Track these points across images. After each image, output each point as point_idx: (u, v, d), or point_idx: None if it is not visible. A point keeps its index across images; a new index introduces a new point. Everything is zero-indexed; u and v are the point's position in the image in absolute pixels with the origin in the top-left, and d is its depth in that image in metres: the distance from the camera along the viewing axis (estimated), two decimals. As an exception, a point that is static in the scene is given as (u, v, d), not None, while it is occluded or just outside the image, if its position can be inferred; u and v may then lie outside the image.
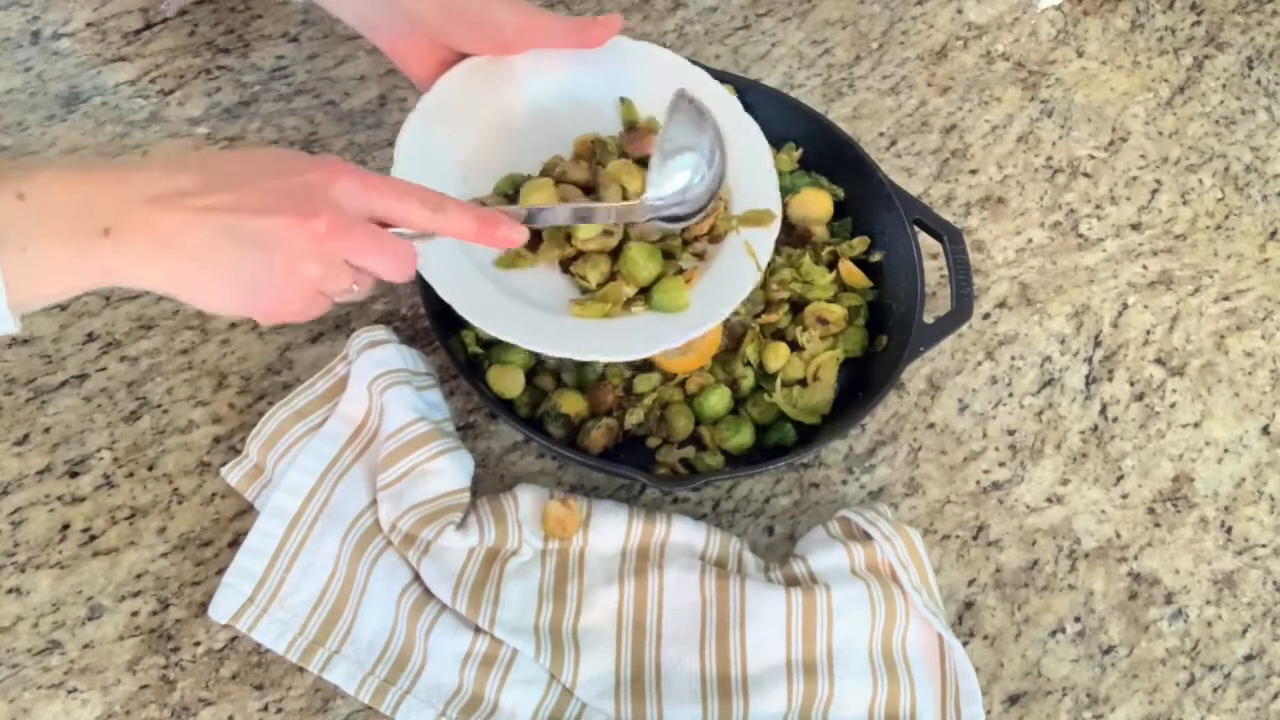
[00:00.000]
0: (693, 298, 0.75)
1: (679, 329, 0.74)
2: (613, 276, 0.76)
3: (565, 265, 0.77)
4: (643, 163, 0.77)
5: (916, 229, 0.83)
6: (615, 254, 0.76)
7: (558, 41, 0.78)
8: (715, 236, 0.79)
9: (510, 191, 0.78)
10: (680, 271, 0.77)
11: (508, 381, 0.76)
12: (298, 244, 0.55)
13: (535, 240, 0.75)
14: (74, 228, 0.51)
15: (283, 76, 0.93)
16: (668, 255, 0.77)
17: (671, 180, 0.73)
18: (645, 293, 0.76)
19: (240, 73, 0.92)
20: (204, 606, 0.69)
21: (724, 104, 0.83)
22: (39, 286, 0.52)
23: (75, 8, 0.94)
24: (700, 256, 0.78)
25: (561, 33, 0.78)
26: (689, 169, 0.74)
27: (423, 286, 0.75)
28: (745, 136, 0.82)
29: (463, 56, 0.78)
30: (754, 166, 0.81)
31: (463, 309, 0.70)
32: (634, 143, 0.81)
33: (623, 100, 0.83)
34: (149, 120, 0.89)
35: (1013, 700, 0.74)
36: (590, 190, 0.78)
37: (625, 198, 0.76)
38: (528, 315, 0.72)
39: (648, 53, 0.83)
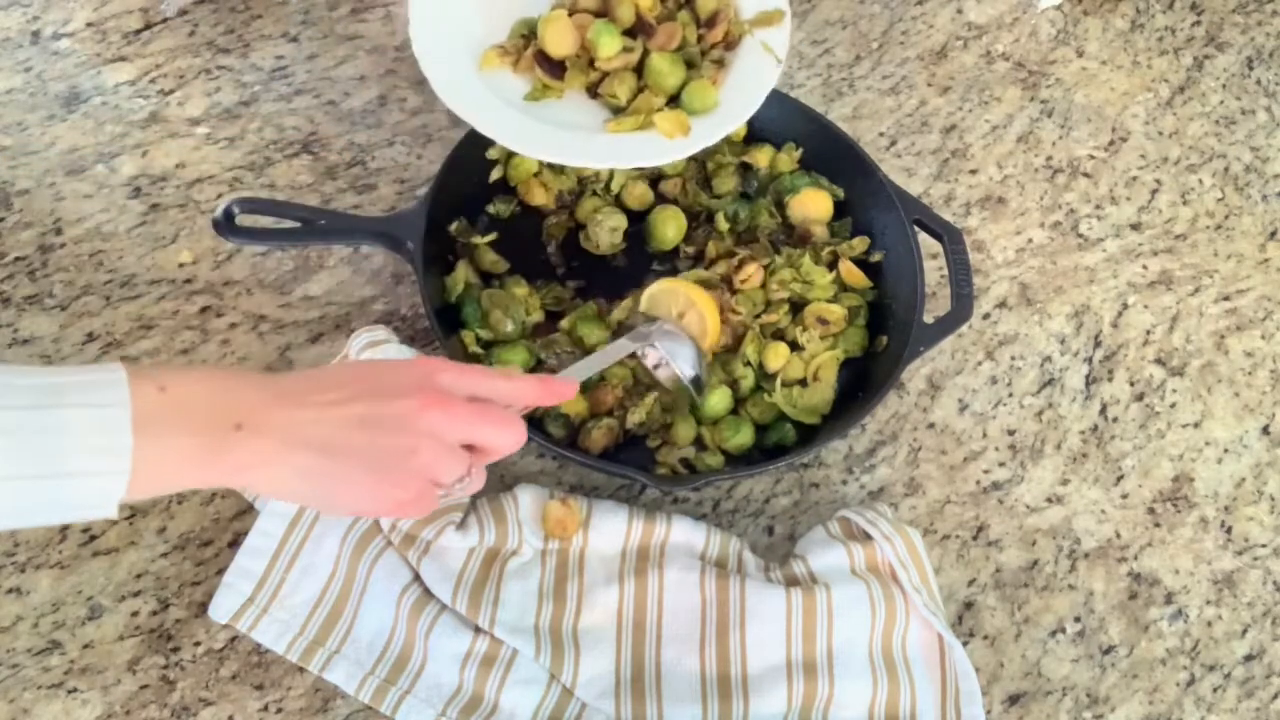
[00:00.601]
0: (721, 98, 0.79)
1: (714, 125, 0.77)
2: (640, 90, 0.80)
3: (593, 91, 0.80)
4: None
5: (916, 229, 0.83)
6: (639, 71, 0.80)
7: None
8: (730, 43, 0.82)
9: (526, 33, 0.81)
10: (703, 77, 0.80)
11: None
12: (423, 424, 0.56)
13: (560, 69, 0.79)
14: (209, 423, 0.52)
15: (283, 76, 0.93)
16: (689, 65, 0.80)
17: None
18: (674, 101, 0.79)
19: (240, 73, 0.92)
20: (204, 606, 0.69)
21: None
22: (164, 478, 0.53)
23: (75, 8, 0.94)
24: (719, 64, 0.82)
25: None
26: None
27: (425, 291, 0.75)
28: None
29: None
30: None
31: (505, 139, 0.73)
32: None
33: None
34: (149, 120, 0.89)
35: (1013, 700, 0.74)
36: (602, 15, 0.81)
37: (638, 12, 0.80)
38: (565, 137, 0.76)
39: None
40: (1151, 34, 1.09)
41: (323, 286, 0.83)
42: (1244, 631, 0.79)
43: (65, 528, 0.71)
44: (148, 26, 0.94)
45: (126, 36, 0.93)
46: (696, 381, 0.75)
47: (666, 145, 0.77)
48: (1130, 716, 0.74)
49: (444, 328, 0.75)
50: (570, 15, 0.80)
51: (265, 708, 0.67)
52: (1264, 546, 0.82)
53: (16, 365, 0.50)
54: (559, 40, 0.79)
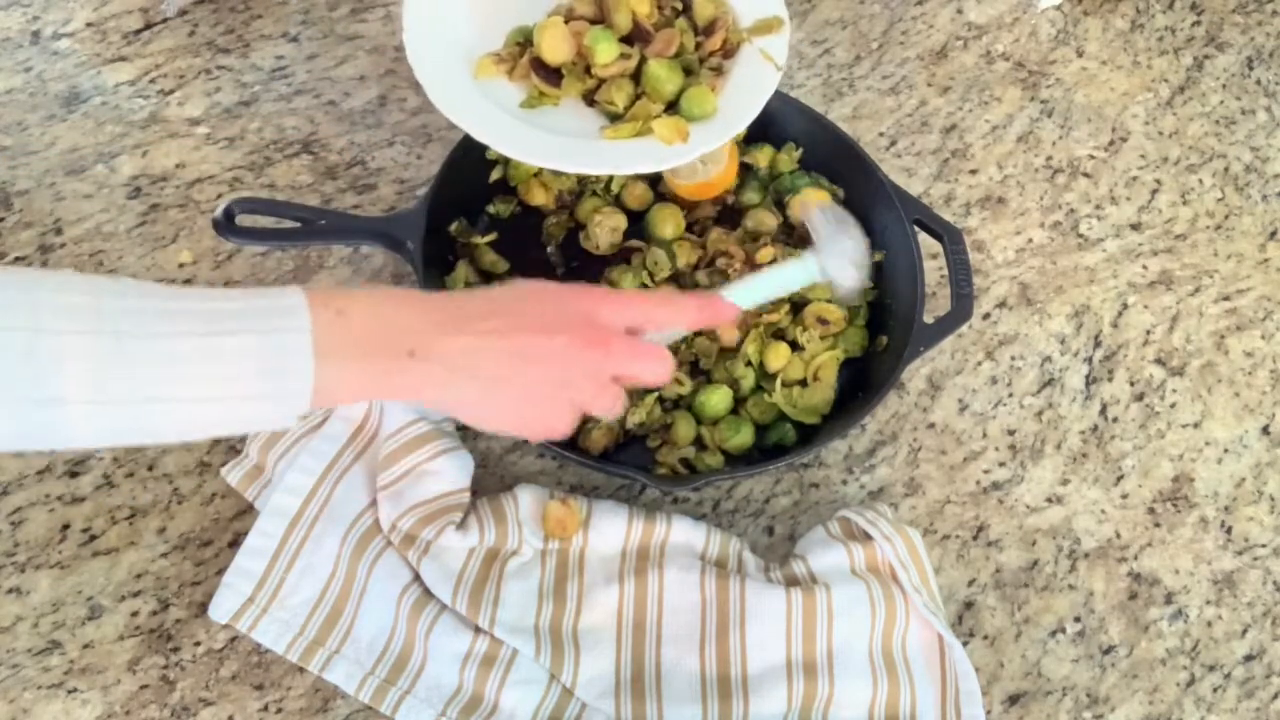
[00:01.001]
0: (719, 105, 0.78)
1: (713, 132, 0.76)
2: (638, 98, 0.78)
3: (589, 99, 0.79)
4: None
5: (916, 229, 0.83)
6: (635, 79, 0.79)
7: None
8: (729, 51, 0.81)
9: (522, 41, 0.80)
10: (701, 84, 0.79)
11: None
12: (578, 360, 0.59)
13: (557, 76, 0.78)
14: (384, 348, 0.55)
15: (283, 76, 0.93)
16: (688, 72, 0.79)
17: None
18: (672, 107, 0.78)
19: (240, 73, 0.92)
20: (204, 606, 0.69)
21: None
22: (340, 394, 0.55)
23: (75, 8, 0.94)
24: (718, 71, 0.80)
25: None
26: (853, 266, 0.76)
27: (422, 285, 0.75)
28: None
29: None
30: None
31: (502, 146, 0.73)
32: None
33: None
34: (149, 120, 0.89)
35: (1013, 700, 0.74)
36: (598, 22, 0.80)
37: (635, 19, 0.78)
38: (563, 143, 0.75)
39: None
40: (1151, 34, 1.09)
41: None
42: (1244, 631, 0.79)
43: (65, 527, 0.71)
44: (148, 26, 0.94)
45: (126, 36, 0.93)
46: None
47: (665, 151, 0.75)
48: (1130, 716, 0.74)
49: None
50: (566, 22, 0.79)
51: (265, 708, 0.67)
52: (1264, 546, 0.82)
53: (188, 289, 0.53)
54: (555, 47, 0.78)
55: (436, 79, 0.76)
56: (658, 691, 0.69)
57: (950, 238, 0.83)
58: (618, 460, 0.76)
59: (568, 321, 0.59)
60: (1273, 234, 0.98)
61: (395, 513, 0.70)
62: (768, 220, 0.85)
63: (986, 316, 0.89)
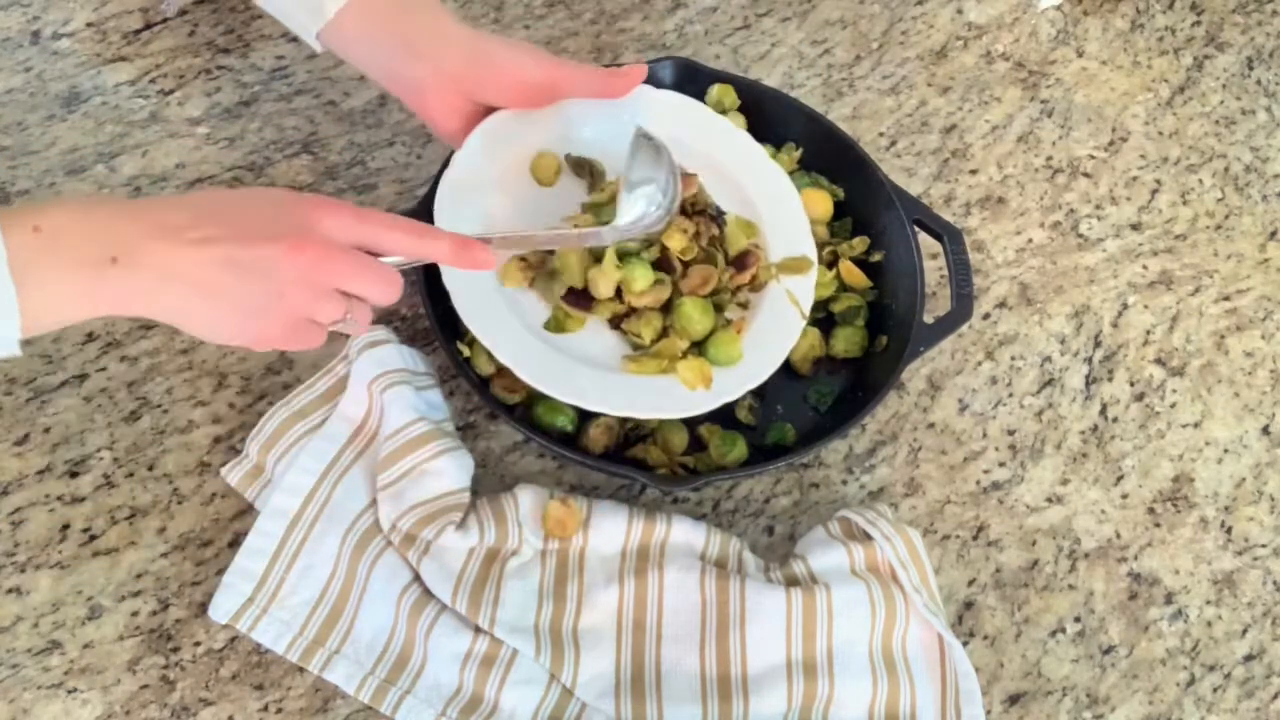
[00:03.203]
0: (743, 349, 0.76)
1: (736, 382, 0.74)
2: (664, 332, 0.76)
3: (615, 323, 0.76)
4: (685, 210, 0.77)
5: (916, 229, 0.83)
6: (665, 309, 0.76)
7: (584, 91, 0.78)
8: (757, 286, 0.79)
9: (527, 257, 0.77)
10: (728, 323, 0.77)
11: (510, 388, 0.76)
12: (289, 271, 0.58)
13: (588, 301, 0.76)
14: (85, 257, 0.54)
15: (283, 76, 0.93)
16: (717, 308, 0.77)
17: (634, 209, 0.73)
18: (698, 346, 0.76)
19: (240, 73, 0.92)
20: (204, 606, 0.69)
21: (749, 152, 0.84)
22: (52, 314, 0.55)
23: (75, 8, 0.94)
24: (744, 306, 0.79)
25: (587, 83, 0.77)
26: (645, 199, 0.73)
27: (425, 291, 0.75)
28: (774, 184, 0.83)
29: (489, 110, 0.78)
30: (785, 213, 0.82)
31: (522, 372, 0.71)
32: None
33: None
34: (149, 120, 0.89)
35: (1013, 700, 0.74)
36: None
37: (667, 256, 0.76)
38: (583, 374, 0.73)
39: (670, 101, 0.84)
40: (1151, 34, 1.09)
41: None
42: (1244, 631, 0.79)
43: (65, 527, 0.71)
44: (148, 26, 0.94)
45: (126, 36, 0.93)
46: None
47: (686, 397, 0.73)
48: (1130, 716, 0.74)
49: (444, 328, 0.75)
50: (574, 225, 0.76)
51: (265, 708, 0.67)
52: (1264, 546, 0.82)
53: None
54: (603, 282, 0.75)
55: (462, 287, 0.73)
56: (658, 691, 0.69)
57: (950, 238, 0.83)
58: (618, 460, 0.76)
59: (282, 230, 0.58)
60: (1273, 234, 0.98)
61: (395, 513, 0.70)
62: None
63: (986, 316, 0.89)
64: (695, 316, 0.75)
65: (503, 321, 0.74)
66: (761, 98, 0.88)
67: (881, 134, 0.98)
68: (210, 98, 0.91)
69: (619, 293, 0.75)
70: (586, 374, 0.73)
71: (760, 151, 0.85)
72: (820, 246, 0.84)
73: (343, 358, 0.76)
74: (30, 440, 0.74)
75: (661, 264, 0.76)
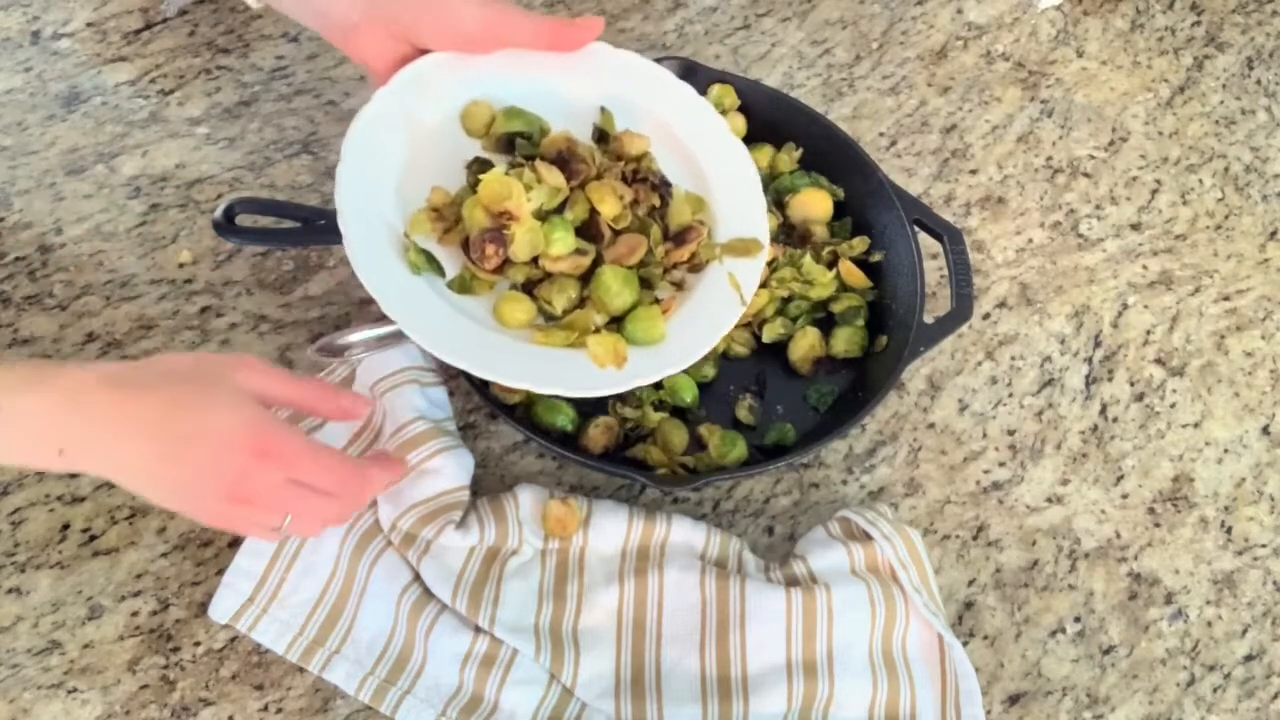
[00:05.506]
0: (669, 331, 0.70)
1: (653, 365, 0.68)
2: (581, 303, 0.69)
3: (529, 288, 0.70)
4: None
5: (916, 229, 0.83)
6: (586, 278, 0.70)
7: (528, 42, 0.72)
8: (696, 265, 0.73)
9: (439, 206, 0.72)
10: (656, 301, 0.71)
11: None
12: (222, 474, 0.58)
13: (501, 264, 0.69)
14: (37, 443, 0.56)
15: (283, 76, 0.93)
16: (645, 283, 0.71)
17: None
18: (617, 322, 0.70)
19: (240, 73, 0.92)
20: (204, 606, 0.69)
21: (710, 125, 0.79)
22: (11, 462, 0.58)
23: (75, 8, 0.94)
24: (679, 286, 0.73)
25: (534, 33, 0.72)
26: None
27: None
28: (733, 162, 0.78)
29: (423, 53, 0.72)
30: (740, 192, 0.76)
31: (413, 330, 0.64)
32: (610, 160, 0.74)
33: (603, 110, 0.77)
34: (149, 120, 0.89)
35: (1013, 700, 0.74)
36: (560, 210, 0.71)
37: (598, 224, 0.70)
38: (481, 337, 0.66)
39: (629, 63, 0.78)
40: (1151, 34, 1.09)
41: (323, 286, 0.83)
42: (1244, 631, 0.79)
43: (65, 527, 0.71)
44: (148, 26, 0.94)
45: (126, 36, 0.93)
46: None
47: (593, 375, 0.66)
48: (1130, 716, 0.74)
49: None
50: (506, 172, 0.69)
51: (265, 708, 0.67)
52: (1264, 546, 0.82)
53: None
54: (524, 246, 0.68)
55: (361, 232, 0.67)
56: (658, 691, 0.69)
57: (950, 238, 0.83)
58: (618, 460, 0.76)
59: (216, 432, 0.58)
60: (1273, 234, 0.98)
61: (395, 512, 0.70)
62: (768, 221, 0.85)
63: (986, 316, 0.89)
64: (615, 288, 0.69)
65: (398, 273, 0.67)
66: (761, 98, 0.88)
67: (881, 134, 0.98)
68: (210, 98, 0.91)
69: (536, 259, 0.69)
70: (484, 338, 0.66)
71: (723, 126, 0.79)
72: (820, 246, 0.84)
73: (343, 360, 0.76)
74: (30, 440, 0.74)
75: (588, 229, 0.70)
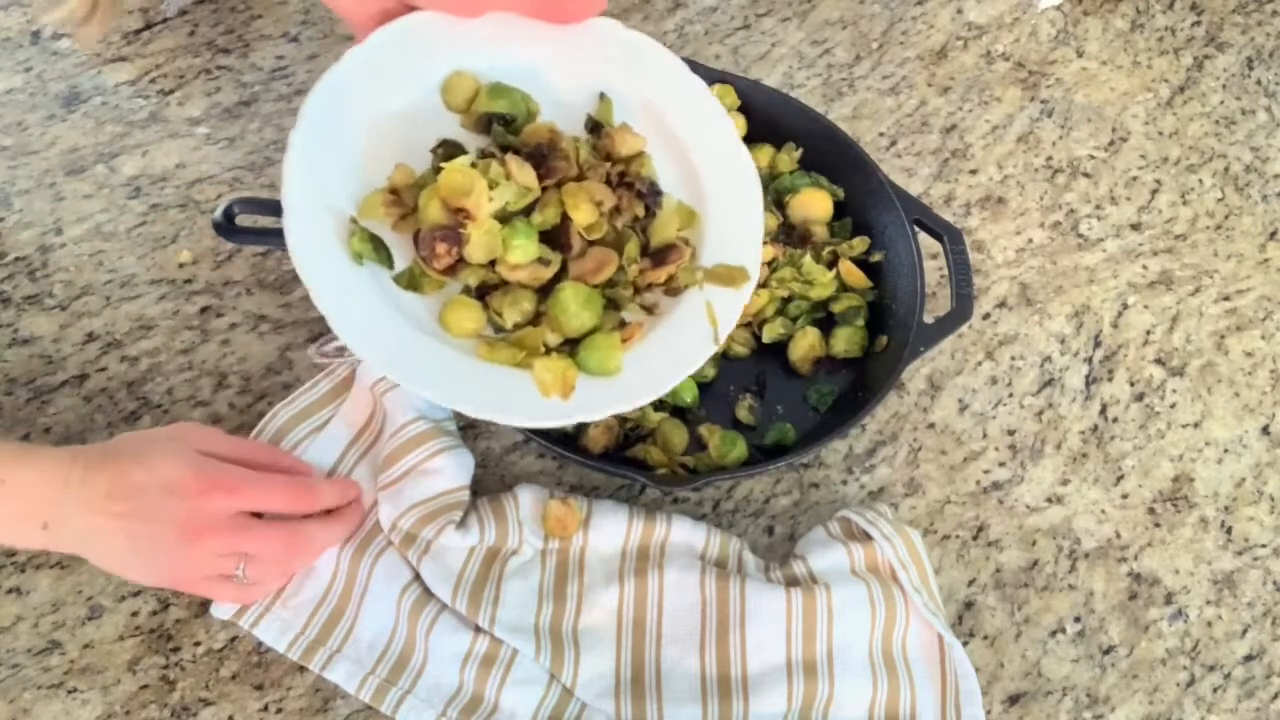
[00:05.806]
0: (628, 362, 0.63)
1: (602, 399, 0.61)
2: (536, 319, 0.63)
3: (481, 293, 0.63)
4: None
5: (916, 229, 0.83)
6: (546, 290, 0.63)
7: (523, 6, 0.65)
8: (673, 289, 0.66)
9: (400, 187, 0.65)
10: (622, 325, 0.65)
11: None
12: (180, 548, 0.63)
13: (453, 264, 0.63)
14: (23, 519, 0.62)
15: (283, 76, 0.93)
16: (611, 303, 0.64)
17: None
18: (572, 344, 0.63)
19: (240, 73, 0.92)
20: (204, 606, 0.69)
21: (718, 130, 0.72)
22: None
23: (75, 8, 0.94)
24: (650, 310, 0.66)
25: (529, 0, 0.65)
26: None
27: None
28: (737, 175, 0.70)
29: (410, 10, 0.66)
30: (739, 213, 0.69)
31: (342, 329, 0.58)
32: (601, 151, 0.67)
33: (603, 98, 0.71)
34: (149, 120, 0.89)
35: (1013, 700, 0.74)
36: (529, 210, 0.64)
37: (568, 233, 0.62)
38: (421, 347, 0.60)
39: (640, 48, 0.70)
40: (1151, 34, 1.09)
41: None
42: (1244, 631, 0.79)
43: (65, 528, 0.71)
44: (148, 26, 0.94)
45: (126, 36, 0.93)
46: None
47: (535, 404, 0.60)
48: (1130, 716, 0.74)
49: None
50: (473, 165, 0.63)
51: (265, 708, 0.67)
52: (1264, 546, 0.82)
53: None
54: (480, 248, 0.61)
55: (303, 215, 0.60)
56: (658, 691, 0.69)
57: (950, 238, 0.83)
58: (618, 460, 0.76)
59: (176, 512, 0.63)
60: (1273, 234, 0.98)
61: (395, 512, 0.70)
62: (768, 222, 0.85)
63: (986, 316, 0.89)
64: (573, 309, 0.62)
65: (340, 260, 0.61)
66: (761, 98, 0.88)
67: (881, 134, 0.98)
68: (210, 98, 0.91)
69: (493, 262, 0.62)
70: (422, 346, 0.60)
71: (734, 135, 0.72)
72: (820, 246, 0.84)
73: (343, 360, 0.76)
74: (30, 440, 0.74)
75: (557, 235, 0.63)
